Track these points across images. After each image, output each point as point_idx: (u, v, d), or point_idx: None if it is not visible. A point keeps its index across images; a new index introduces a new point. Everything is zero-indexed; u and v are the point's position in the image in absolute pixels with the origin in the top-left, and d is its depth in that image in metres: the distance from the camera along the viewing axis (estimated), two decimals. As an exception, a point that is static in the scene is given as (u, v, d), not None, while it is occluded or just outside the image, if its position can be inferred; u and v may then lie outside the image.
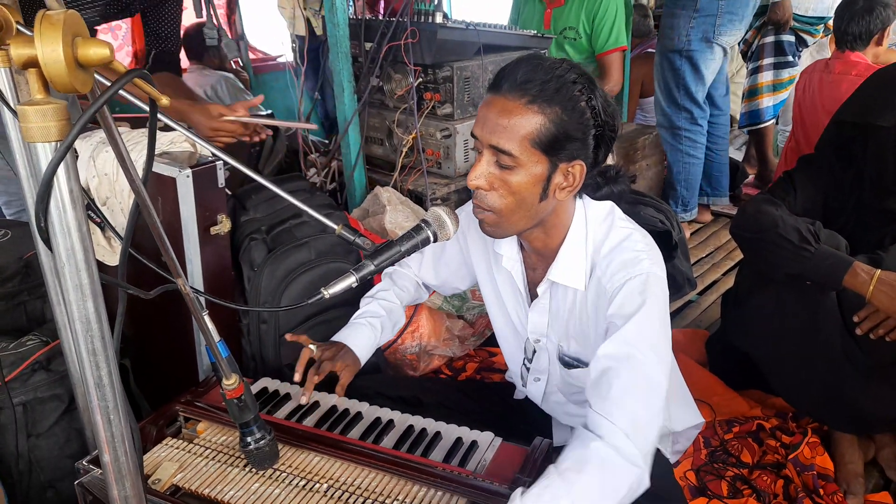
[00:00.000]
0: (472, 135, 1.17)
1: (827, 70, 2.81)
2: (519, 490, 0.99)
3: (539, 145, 1.10)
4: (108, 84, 0.59)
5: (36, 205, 0.58)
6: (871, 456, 1.69)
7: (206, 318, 1.01)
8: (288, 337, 1.44)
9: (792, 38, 3.49)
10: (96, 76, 0.63)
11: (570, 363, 1.34)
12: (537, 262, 1.31)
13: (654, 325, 1.12)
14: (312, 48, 3.36)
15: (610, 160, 2.63)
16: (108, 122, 0.63)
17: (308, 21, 3.27)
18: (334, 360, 1.38)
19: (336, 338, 1.45)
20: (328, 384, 1.40)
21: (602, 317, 1.18)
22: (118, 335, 0.75)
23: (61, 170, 0.58)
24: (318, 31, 3.23)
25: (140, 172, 0.73)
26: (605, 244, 1.20)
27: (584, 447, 1.03)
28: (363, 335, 1.45)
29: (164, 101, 0.65)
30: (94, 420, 0.67)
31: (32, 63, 0.56)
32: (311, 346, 1.39)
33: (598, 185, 1.27)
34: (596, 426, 1.04)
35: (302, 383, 1.36)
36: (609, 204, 1.26)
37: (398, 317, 1.54)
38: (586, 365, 1.31)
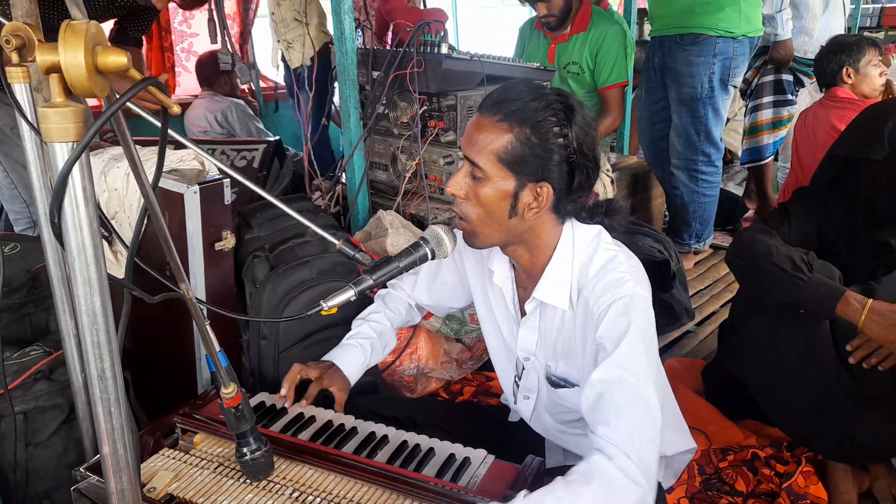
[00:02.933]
0: (460, 148, 1.25)
1: (819, 107, 2.99)
2: (523, 492, 1.02)
3: (505, 162, 1.16)
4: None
5: (51, 201, 0.61)
6: (865, 487, 1.68)
7: (208, 327, 1.03)
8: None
9: (790, 78, 3.57)
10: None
11: (557, 383, 1.35)
12: (527, 281, 1.34)
13: (642, 346, 1.14)
14: (288, 80, 3.49)
15: (609, 192, 2.65)
16: (122, 127, 0.67)
17: (282, 54, 3.40)
18: (323, 377, 1.41)
19: (327, 358, 1.47)
20: (322, 400, 1.42)
21: (590, 338, 1.21)
22: (122, 334, 0.78)
23: (76, 169, 0.62)
24: (293, 65, 3.35)
25: (150, 178, 0.76)
26: (592, 266, 1.23)
27: (590, 463, 1.05)
28: (353, 356, 1.47)
29: (176, 109, 0.68)
30: (96, 412, 0.69)
31: (55, 69, 0.60)
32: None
33: (586, 220, 1.28)
34: (601, 448, 1.07)
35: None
36: (597, 227, 1.29)
37: (389, 339, 1.57)
38: (573, 385, 1.33)
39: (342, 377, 1.44)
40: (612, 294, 1.17)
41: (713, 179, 3.09)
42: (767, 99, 3.63)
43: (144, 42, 4.15)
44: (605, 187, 2.85)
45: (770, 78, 3.59)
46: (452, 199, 1.23)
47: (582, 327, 1.25)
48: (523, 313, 1.36)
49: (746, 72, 3.57)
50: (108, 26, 2.39)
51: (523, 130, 1.14)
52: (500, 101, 1.16)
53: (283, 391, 1.39)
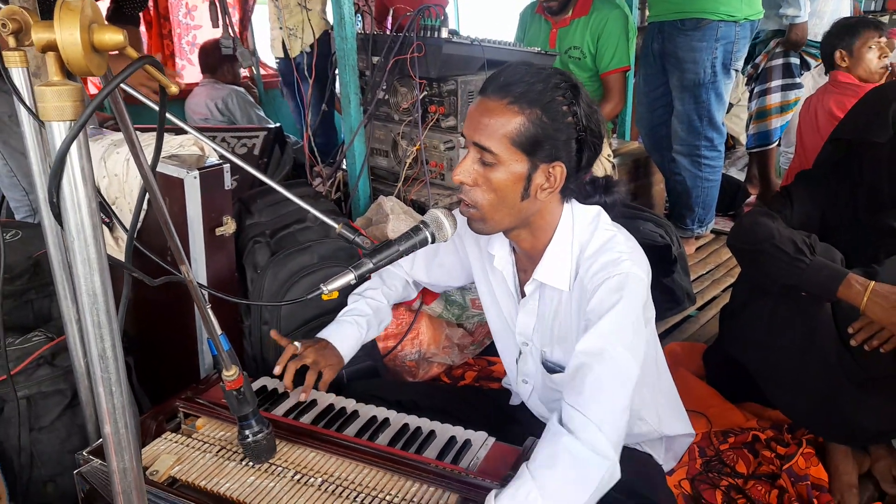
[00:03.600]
0: (461, 134, 1.22)
1: (822, 91, 2.99)
2: (493, 493, 1.02)
3: (518, 144, 1.15)
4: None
5: (49, 180, 0.61)
6: (865, 468, 1.69)
7: (209, 310, 1.04)
8: (272, 333, 1.47)
9: (798, 61, 3.55)
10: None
11: (552, 368, 1.36)
12: (527, 264, 1.34)
13: (629, 322, 1.15)
14: (289, 70, 3.48)
15: (608, 172, 2.65)
16: (120, 107, 0.67)
17: (283, 42, 3.39)
18: (317, 357, 1.41)
19: (321, 334, 1.48)
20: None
21: (583, 315, 1.21)
22: (122, 314, 0.78)
23: (74, 147, 0.62)
24: (293, 53, 3.34)
25: (149, 160, 0.76)
26: (590, 246, 1.23)
27: (554, 443, 1.05)
28: (348, 333, 1.48)
29: (174, 88, 0.68)
30: (97, 392, 0.69)
31: (51, 47, 0.60)
32: (296, 343, 1.43)
33: (588, 194, 1.30)
34: (569, 419, 1.07)
35: (282, 377, 1.41)
36: (596, 208, 1.29)
37: (384, 315, 1.58)
38: None
39: (335, 355, 1.44)
40: (607, 272, 1.18)
41: (716, 164, 3.07)
42: (776, 83, 3.61)
43: (144, 31, 4.15)
44: (606, 172, 2.84)
45: (780, 61, 3.57)
46: (459, 186, 1.22)
47: (577, 306, 1.25)
48: (524, 296, 1.36)
49: (757, 56, 3.55)
50: (103, 6, 2.39)
51: (534, 111, 1.14)
52: (507, 83, 1.15)
53: (277, 370, 1.39)
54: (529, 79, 1.15)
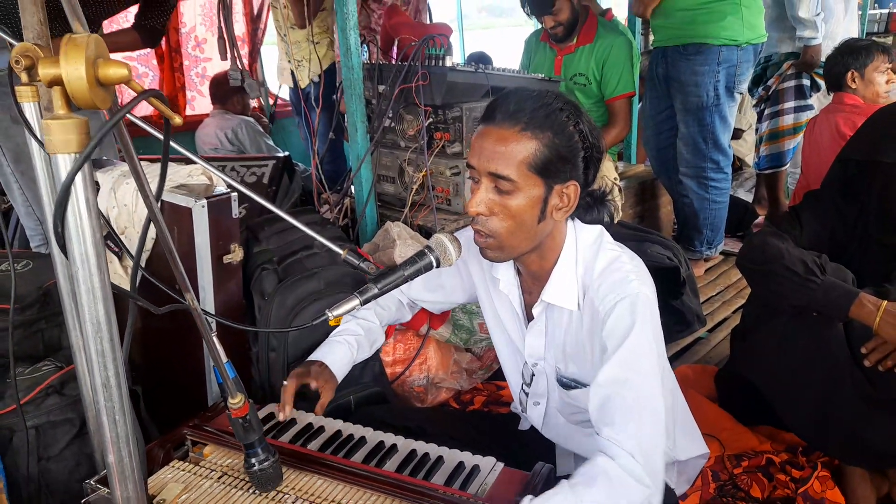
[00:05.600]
0: (468, 165, 1.22)
1: (826, 112, 3.01)
2: (528, 497, 1.02)
3: (535, 169, 1.16)
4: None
5: (54, 211, 0.62)
6: (884, 492, 1.65)
7: (215, 339, 1.04)
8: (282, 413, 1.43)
9: (808, 83, 3.57)
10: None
11: (568, 384, 1.35)
12: (532, 286, 1.34)
13: (646, 345, 1.15)
14: (298, 99, 3.54)
15: (618, 201, 2.66)
16: (125, 138, 0.69)
17: (292, 73, 3.46)
18: (314, 376, 1.40)
19: (314, 356, 1.47)
20: (333, 411, 1.42)
21: (597, 338, 1.22)
22: (128, 343, 0.79)
23: (79, 179, 0.63)
24: (302, 84, 3.40)
25: (154, 189, 0.78)
26: (596, 266, 1.24)
27: (593, 465, 1.07)
28: (340, 353, 1.48)
29: (178, 120, 0.70)
30: (101, 421, 0.69)
31: (57, 81, 0.62)
32: (284, 383, 1.40)
33: (588, 206, 1.31)
34: (605, 448, 1.09)
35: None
36: (598, 228, 1.30)
37: (377, 336, 1.57)
38: (585, 385, 1.32)
39: (331, 377, 1.44)
40: (617, 293, 1.18)
41: (723, 186, 3.07)
42: (789, 104, 3.63)
43: (156, 64, 4.24)
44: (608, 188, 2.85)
45: (792, 83, 3.58)
46: (474, 218, 1.21)
47: (589, 328, 1.25)
48: (530, 317, 1.36)
49: (769, 78, 3.57)
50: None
51: (546, 134, 1.15)
52: (516, 110, 1.16)
53: (281, 417, 1.37)
54: (533, 103, 1.16)
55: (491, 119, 1.19)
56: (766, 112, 3.74)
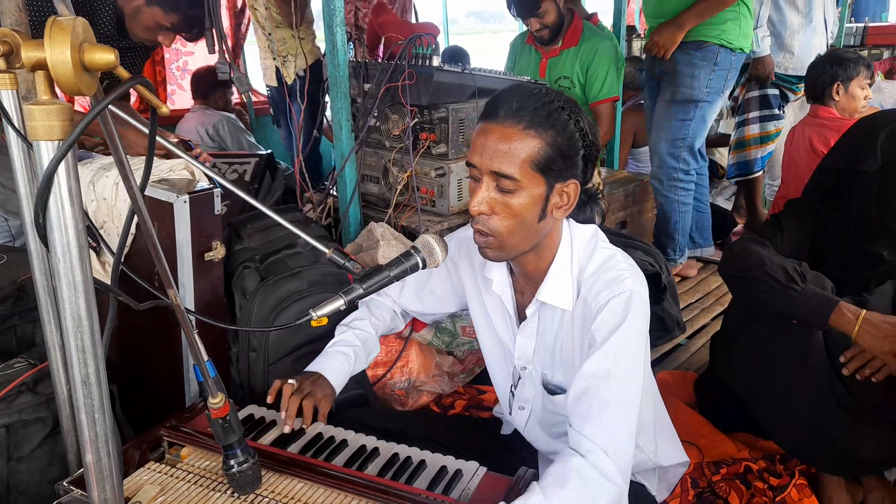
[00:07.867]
0: (469, 163, 1.21)
1: (802, 124, 3.05)
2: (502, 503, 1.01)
3: (537, 167, 1.15)
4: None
5: (35, 201, 0.60)
6: (859, 499, 1.67)
7: (196, 336, 1.02)
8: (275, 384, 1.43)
9: (776, 92, 3.62)
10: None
11: (553, 390, 1.35)
12: (525, 286, 1.33)
13: (633, 342, 1.16)
14: (281, 98, 3.50)
15: (602, 205, 2.69)
16: (110, 127, 0.66)
17: (277, 70, 3.42)
18: (313, 389, 1.38)
19: (311, 367, 1.45)
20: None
21: (587, 334, 1.21)
22: (107, 339, 0.76)
23: (62, 168, 0.60)
24: (289, 79, 3.37)
25: (138, 181, 0.75)
26: (590, 265, 1.24)
27: (564, 464, 1.06)
28: (338, 364, 1.45)
29: (165, 109, 0.67)
30: (80, 419, 0.67)
31: (41, 65, 0.59)
32: (290, 381, 1.39)
33: (583, 203, 1.31)
34: (577, 444, 1.08)
35: (271, 406, 1.38)
36: (593, 227, 1.31)
37: (372, 346, 1.55)
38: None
39: (330, 388, 1.42)
40: (611, 290, 1.18)
41: (689, 188, 3.12)
42: (754, 114, 3.68)
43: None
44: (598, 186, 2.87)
45: (756, 93, 3.64)
46: (474, 217, 1.20)
47: (581, 326, 1.25)
48: (522, 318, 1.35)
49: (734, 89, 3.62)
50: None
51: (549, 133, 1.15)
52: (519, 108, 1.15)
53: (270, 399, 1.36)
54: (535, 101, 1.16)
55: (493, 116, 1.17)
56: (736, 121, 3.80)
